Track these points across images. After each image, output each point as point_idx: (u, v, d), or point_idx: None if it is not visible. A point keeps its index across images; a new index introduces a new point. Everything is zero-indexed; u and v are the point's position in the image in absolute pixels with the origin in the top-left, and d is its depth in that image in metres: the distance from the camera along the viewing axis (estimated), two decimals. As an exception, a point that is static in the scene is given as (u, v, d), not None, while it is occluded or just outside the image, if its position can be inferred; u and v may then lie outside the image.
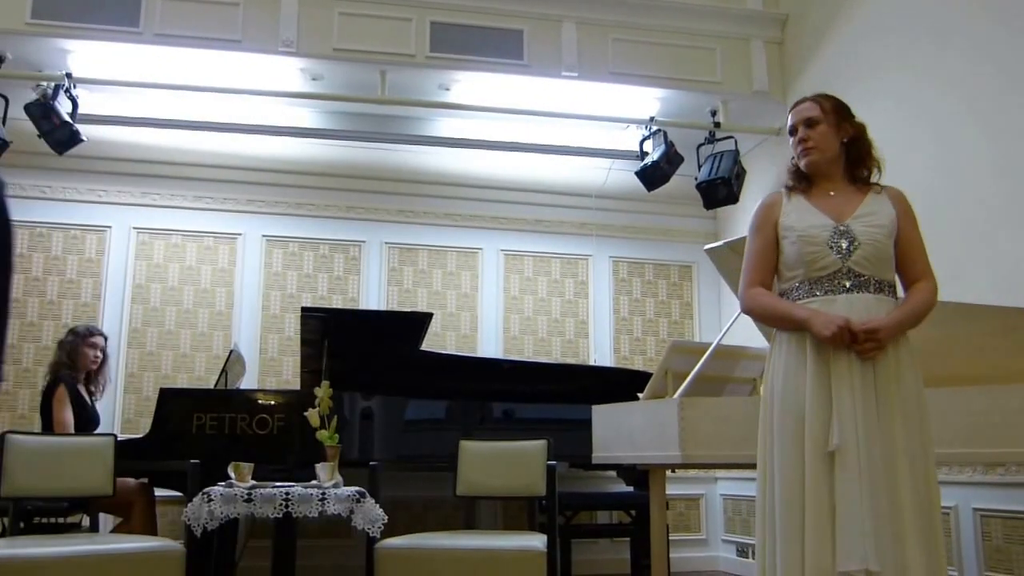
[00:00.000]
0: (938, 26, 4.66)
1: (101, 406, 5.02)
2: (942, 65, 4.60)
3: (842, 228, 2.42)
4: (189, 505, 3.44)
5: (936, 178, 4.25)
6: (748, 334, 3.91)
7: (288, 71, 5.53)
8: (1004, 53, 4.20)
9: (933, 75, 4.65)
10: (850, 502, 2.23)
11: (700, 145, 5.99)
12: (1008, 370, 3.08)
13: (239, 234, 6.07)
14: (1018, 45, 4.13)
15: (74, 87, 5.22)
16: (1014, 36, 4.16)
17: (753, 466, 4.01)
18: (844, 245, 2.41)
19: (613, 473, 5.70)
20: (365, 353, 4.78)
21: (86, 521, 4.37)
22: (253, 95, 5.63)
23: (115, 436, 4.04)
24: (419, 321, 4.89)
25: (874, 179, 2.54)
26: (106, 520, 4.72)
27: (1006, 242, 4.03)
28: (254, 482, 3.56)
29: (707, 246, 3.85)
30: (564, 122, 6.12)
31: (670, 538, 5.43)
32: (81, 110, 5.25)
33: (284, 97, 5.72)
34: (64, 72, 5.20)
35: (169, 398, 4.45)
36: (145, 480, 4.56)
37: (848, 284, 2.40)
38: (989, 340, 3.15)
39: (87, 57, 5.25)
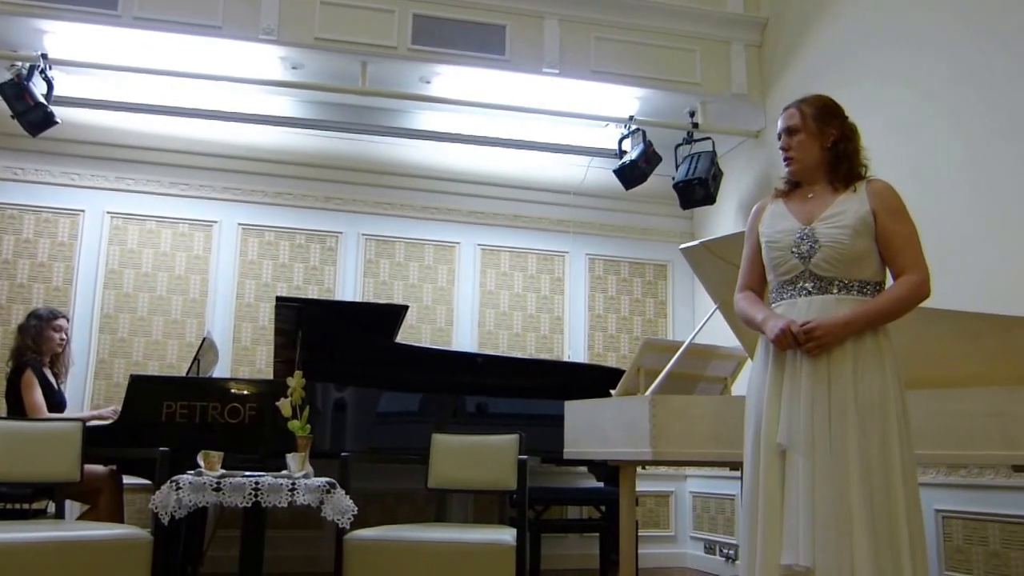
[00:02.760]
0: (914, 34, 4.72)
1: (70, 391, 4.98)
2: (918, 72, 4.66)
3: (807, 231, 2.44)
4: (157, 493, 3.41)
5: (911, 184, 4.25)
6: (721, 334, 3.95)
7: (268, 59, 5.50)
8: (978, 61, 4.27)
9: (909, 82, 4.71)
10: (793, 500, 2.27)
11: (678, 145, 6.04)
12: (972, 374, 3.12)
13: (215, 221, 6.03)
14: (991, 53, 4.19)
15: (49, 68, 5.16)
16: (987, 44, 4.23)
17: (721, 464, 4.07)
18: (806, 248, 2.43)
19: (584, 469, 5.73)
20: (339, 344, 4.77)
21: (52, 507, 4.33)
22: (232, 82, 5.60)
23: (83, 422, 4.00)
24: (394, 313, 4.90)
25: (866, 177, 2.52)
26: (72, 507, 4.68)
27: (980, 248, 4.09)
28: (223, 471, 3.54)
29: (682, 246, 3.88)
30: (544, 118, 6.14)
31: (639, 534, 5.49)
32: (56, 92, 5.19)
33: (263, 85, 5.69)
34: (40, 53, 5.14)
35: (139, 385, 4.41)
36: (113, 467, 4.53)
37: (810, 287, 2.43)
38: (955, 345, 3.19)
39: (64, 38, 5.19)
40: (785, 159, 2.56)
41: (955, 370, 3.20)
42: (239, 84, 5.63)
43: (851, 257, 2.40)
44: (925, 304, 2.45)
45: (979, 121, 4.23)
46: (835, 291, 2.40)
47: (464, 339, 6.32)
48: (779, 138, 2.58)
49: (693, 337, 3.92)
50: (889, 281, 2.48)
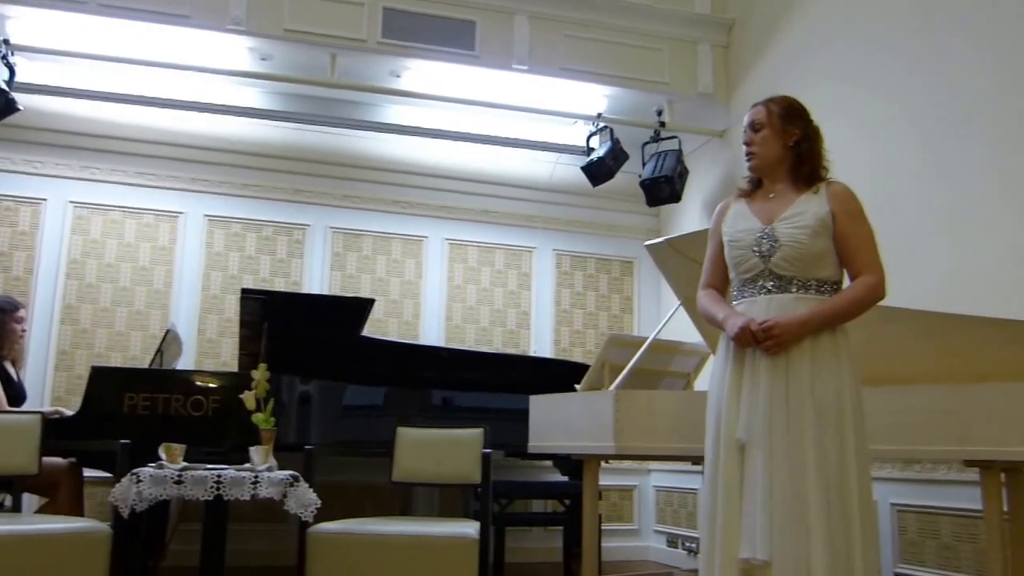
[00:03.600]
0: (875, 34, 4.81)
1: (29, 383, 4.93)
2: (878, 72, 4.74)
3: (767, 231, 2.48)
4: (117, 486, 3.38)
5: (870, 184, 4.35)
6: (685, 330, 4.00)
7: (236, 50, 5.47)
8: (937, 61, 4.35)
9: (869, 82, 4.79)
10: (752, 494, 2.32)
11: (645, 143, 6.09)
12: (927, 372, 3.19)
13: (181, 212, 5.99)
14: (951, 55, 4.28)
15: (12, 54, 5.09)
16: (947, 46, 4.31)
17: (684, 458, 4.11)
18: (766, 247, 2.47)
19: (549, 463, 5.77)
20: (305, 337, 4.75)
21: (9, 501, 4.28)
22: (200, 72, 5.55)
23: (42, 414, 3.96)
24: (360, 307, 4.89)
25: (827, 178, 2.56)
26: (31, 500, 4.63)
27: (938, 247, 4.18)
28: (185, 464, 3.52)
29: (647, 243, 3.93)
30: (513, 115, 6.16)
31: (603, 528, 5.54)
32: (19, 78, 5.12)
33: (232, 76, 5.65)
34: (1, 38, 5.07)
35: (100, 376, 4.37)
36: (73, 460, 4.48)
37: (770, 285, 2.47)
38: (910, 343, 3.26)
39: (27, 24, 5.12)
40: (747, 154, 2.61)
41: (910, 368, 3.27)
42: (207, 74, 5.59)
43: (810, 257, 2.44)
44: (881, 303, 2.49)
45: (938, 121, 4.31)
46: (794, 290, 2.44)
47: (431, 333, 6.33)
48: (744, 133, 2.62)
49: (657, 333, 3.96)
50: (847, 281, 2.53)
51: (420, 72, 5.72)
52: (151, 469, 3.41)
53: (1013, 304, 3.61)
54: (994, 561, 2.90)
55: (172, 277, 5.89)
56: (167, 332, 5.01)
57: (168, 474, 3.38)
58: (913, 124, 4.47)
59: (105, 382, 4.35)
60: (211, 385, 4.43)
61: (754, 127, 2.58)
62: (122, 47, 5.33)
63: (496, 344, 6.48)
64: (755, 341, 2.39)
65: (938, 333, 3.20)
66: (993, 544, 2.91)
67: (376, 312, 5.98)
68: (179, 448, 3.54)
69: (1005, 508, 3.09)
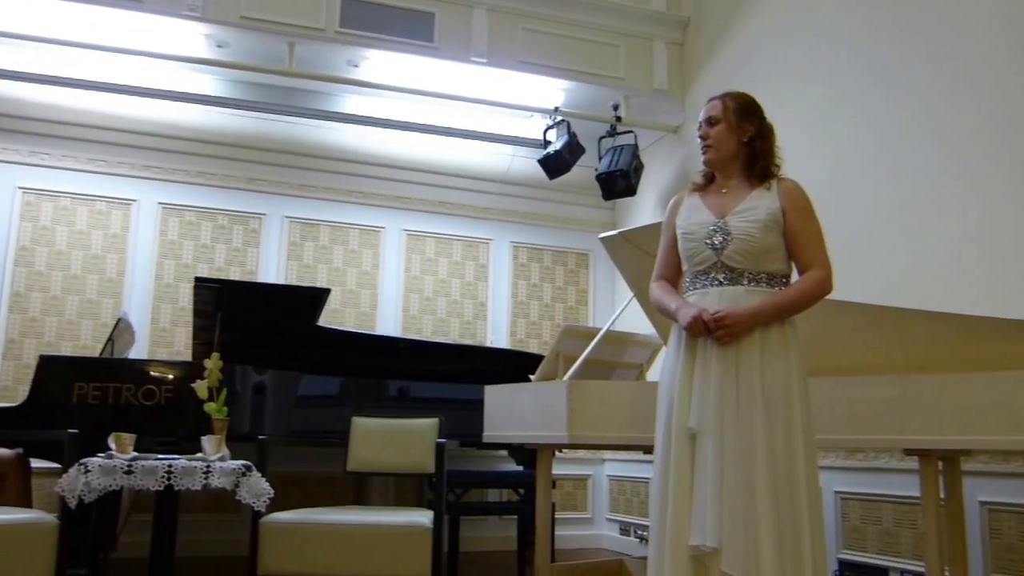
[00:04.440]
0: (827, 31, 4.91)
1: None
2: (831, 70, 4.84)
3: (720, 224, 2.53)
4: (64, 476, 3.32)
5: (825, 180, 4.46)
6: (638, 321, 4.06)
7: (192, 36, 5.41)
8: (888, 60, 4.46)
9: (823, 80, 4.89)
10: (702, 482, 2.36)
11: (601, 138, 6.16)
12: (871, 363, 3.26)
13: (133, 200, 5.91)
14: (902, 53, 4.38)
15: (-41, 37, 4.99)
16: (898, 44, 4.42)
17: (636, 448, 4.18)
18: (718, 240, 2.51)
19: (505, 452, 5.82)
20: (260, 326, 4.74)
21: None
22: (154, 58, 5.48)
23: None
24: (316, 296, 4.88)
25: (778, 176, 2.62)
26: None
27: (893, 242, 4.28)
28: (136, 453, 3.47)
29: (601, 235, 3.97)
30: (471, 107, 6.18)
31: (558, 516, 5.60)
32: (-34, 62, 5.03)
33: (187, 62, 5.59)
34: (-51, 21, 4.97)
35: (49, 365, 4.30)
36: (20, 450, 4.42)
37: (722, 278, 2.52)
38: (855, 335, 3.33)
39: (-26, 7, 5.02)
40: (703, 147, 2.65)
41: (855, 360, 3.33)
42: (161, 60, 5.51)
43: (760, 250, 2.49)
44: (828, 296, 2.55)
45: (889, 117, 4.42)
46: (745, 282, 2.49)
47: (388, 324, 6.34)
48: (699, 127, 2.66)
49: (610, 324, 4.01)
50: (795, 276, 2.60)
51: (378, 62, 5.70)
52: (100, 459, 3.35)
53: (963, 297, 3.71)
54: (931, 545, 2.98)
55: (125, 265, 5.82)
56: (119, 321, 4.95)
57: (118, 464, 3.33)
58: (864, 120, 4.57)
59: (54, 371, 4.29)
60: (163, 375, 4.39)
61: (710, 122, 2.63)
62: (75, 30, 5.24)
63: (453, 335, 6.51)
64: (707, 331, 2.43)
65: (881, 326, 3.27)
66: (930, 529, 3.00)
67: (333, 302, 5.98)
68: (129, 438, 3.50)
69: (942, 495, 3.19)
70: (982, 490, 3.71)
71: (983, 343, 3.04)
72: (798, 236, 2.52)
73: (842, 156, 4.66)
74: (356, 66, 5.75)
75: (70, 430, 3.62)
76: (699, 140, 2.66)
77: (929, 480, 3.02)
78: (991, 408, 2.76)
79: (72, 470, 3.33)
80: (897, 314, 3.20)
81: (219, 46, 5.51)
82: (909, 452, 3.15)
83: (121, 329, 4.87)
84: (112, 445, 3.47)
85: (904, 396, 2.99)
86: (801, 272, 2.55)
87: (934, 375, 2.95)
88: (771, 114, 2.68)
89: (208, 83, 5.91)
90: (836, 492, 4.43)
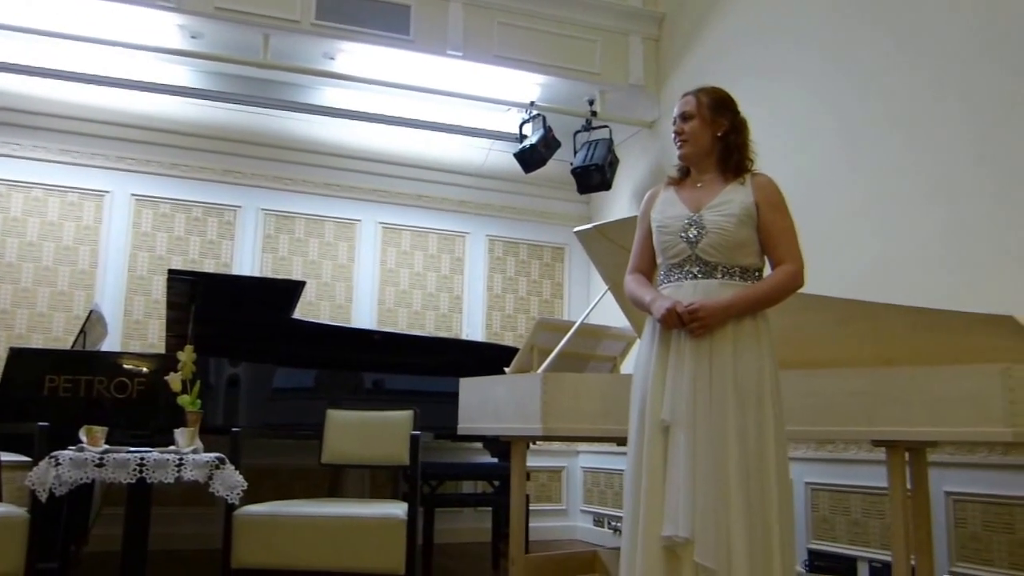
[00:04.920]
0: (801, 31, 4.96)
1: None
2: (804, 68, 4.90)
3: (695, 218, 2.54)
4: (35, 469, 3.30)
5: (796, 176, 4.50)
6: (612, 315, 4.09)
7: (166, 27, 5.36)
8: (860, 59, 4.51)
9: (795, 77, 4.95)
10: (675, 473, 2.38)
11: (577, 132, 6.18)
12: (840, 356, 3.31)
13: (107, 191, 5.86)
14: (873, 52, 4.44)
15: (-72, 26, 4.92)
16: (869, 43, 4.48)
17: (610, 440, 4.21)
18: (693, 234, 2.53)
19: (480, 444, 5.84)
20: (234, 319, 4.72)
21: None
22: (128, 48, 5.43)
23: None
24: (291, 289, 4.86)
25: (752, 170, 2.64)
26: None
27: (863, 237, 4.34)
28: (107, 446, 3.45)
29: (576, 229, 3.99)
30: (447, 100, 6.19)
31: (532, 508, 5.64)
32: (-65, 51, 4.96)
33: (161, 53, 5.54)
34: (-83, 9, 4.90)
35: (19, 358, 4.27)
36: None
37: (696, 271, 2.53)
38: (825, 328, 3.37)
39: (-56, -5, 4.96)
40: (678, 143, 2.66)
41: (825, 352, 3.37)
42: (135, 51, 5.47)
43: (734, 244, 2.51)
44: (800, 290, 2.58)
45: (860, 115, 4.48)
46: (719, 276, 2.51)
47: (363, 316, 6.33)
48: (674, 123, 2.68)
49: (585, 317, 4.04)
50: (768, 270, 2.63)
51: (354, 55, 5.69)
52: (71, 452, 3.33)
53: (933, 290, 3.78)
54: (898, 535, 3.03)
55: (97, 257, 5.78)
56: (90, 313, 4.91)
57: (89, 457, 3.31)
58: (836, 118, 4.63)
59: (24, 364, 4.25)
60: (136, 367, 4.37)
61: (684, 117, 2.65)
62: (48, 20, 5.18)
63: (428, 328, 6.51)
64: (681, 323, 2.45)
65: (851, 319, 3.31)
66: (897, 519, 3.04)
67: (308, 295, 5.97)
68: (100, 430, 3.47)
69: (909, 485, 3.24)
70: (948, 481, 3.77)
71: (950, 337, 3.08)
72: (771, 231, 2.55)
73: (813, 153, 4.72)
74: (332, 58, 5.73)
75: (40, 423, 3.59)
76: (674, 135, 2.68)
77: (896, 471, 3.05)
78: (957, 400, 2.78)
79: (42, 463, 3.30)
80: (867, 308, 3.23)
81: (193, 37, 5.47)
82: (877, 443, 3.19)
83: (93, 321, 4.84)
84: (83, 438, 3.45)
85: (873, 388, 3.02)
86: (774, 266, 2.57)
87: (902, 368, 2.98)
88: (744, 111, 2.71)
89: (183, 74, 5.87)
90: (806, 483, 4.49)
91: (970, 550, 3.69)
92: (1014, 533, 3.53)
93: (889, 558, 3.18)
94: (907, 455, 3.20)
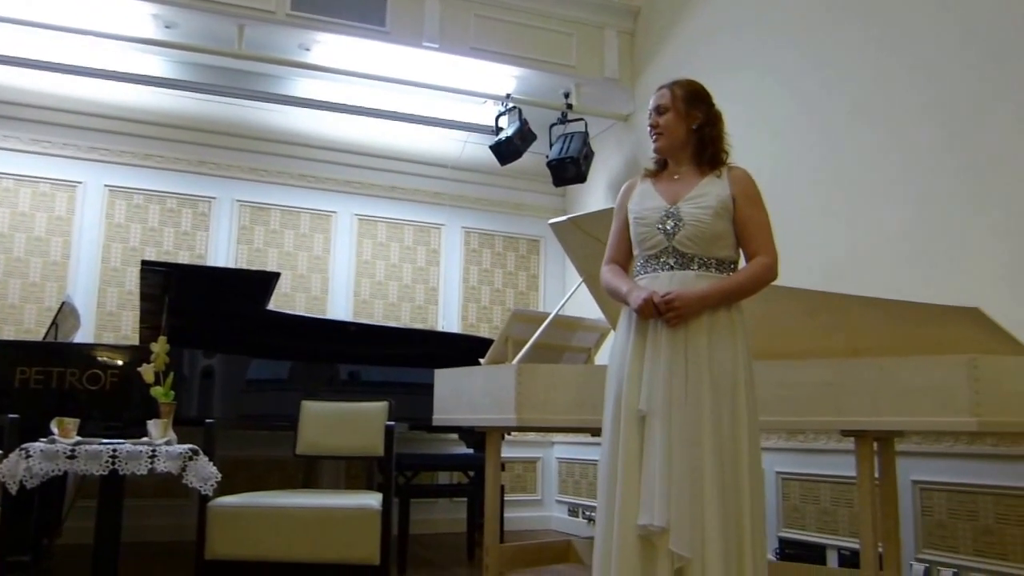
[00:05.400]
0: (775, 26, 5.00)
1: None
2: (778, 62, 4.94)
3: (672, 210, 2.56)
4: (5, 461, 3.27)
5: (770, 169, 4.53)
6: (587, 306, 4.12)
7: (140, 16, 5.31)
8: (833, 53, 4.56)
9: (769, 71, 4.99)
10: (651, 463, 2.40)
11: (553, 125, 6.20)
12: (811, 347, 3.35)
13: (79, 182, 5.81)
14: (846, 46, 4.48)
15: None
16: (842, 38, 4.52)
17: (584, 430, 4.24)
18: (670, 226, 2.55)
19: (455, 435, 5.86)
20: (208, 310, 4.70)
21: None
22: (101, 38, 5.37)
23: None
24: (265, 280, 4.85)
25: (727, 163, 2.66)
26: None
27: (835, 230, 4.39)
28: (79, 438, 3.43)
29: (551, 220, 4.01)
30: (423, 92, 6.18)
31: (508, 498, 5.67)
32: (-97, 39, 4.89)
33: (135, 43, 5.49)
34: None
35: (-9, 349, 4.25)
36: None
37: (672, 262, 2.55)
38: (797, 320, 3.41)
39: (-88, -18, 4.88)
40: (653, 136, 2.68)
41: (797, 343, 3.41)
42: (108, 40, 5.41)
43: (710, 236, 2.53)
44: (773, 283, 2.60)
45: (832, 109, 4.52)
46: (695, 267, 2.52)
47: (339, 308, 6.33)
48: (649, 116, 2.69)
49: (559, 308, 4.07)
50: (743, 262, 2.65)
51: (330, 46, 5.67)
52: (42, 444, 3.30)
53: (903, 282, 3.84)
54: (866, 523, 3.08)
55: (70, 248, 5.73)
56: (63, 304, 4.87)
57: (60, 449, 3.28)
58: (809, 112, 4.68)
59: (-6, 355, 4.22)
60: (109, 359, 4.34)
61: (659, 110, 2.66)
62: (19, 8, 5.12)
63: (404, 319, 6.52)
64: (657, 313, 2.47)
65: (819, 311, 3.35)
66: (865, 508, 3.10)
67: (283, 286, 5.96)
68: (72, 422, 3.44)
69: (877, 475, 3.30)
70: (915, 470, 3.83)
71: (917, 328, 3.13)
72: (747, 223, 2.57)
73: (786, 146, 4.77)
74: (308, 49, 5.70)
75: (10, 415, 3.56)
76: (649, 129, 2.69)
77: (865, 460, 3.10)
78: (924, 391, 2.83)
79: (12, 455, 3.28)
80: (837, 300, 3.27)
81: (167, 27, 5.43)
82: (846, 433, 3.23)
83: (66, 313, 4.80)
84: (55, 430, 3.42)
85: (842, 379, 3.06)
86: (748, 259, 2.59)
87: (871, 359, 3.02)
88: (718, 104, 2.73)
89: (156, 64, 5.82)
90: (777, 472, 4.55)
91: (936, 537, 3.75)
92: (978, 520, 3.59)
93: (857, 546, 3.22)
94: (875, 445, 3.26)
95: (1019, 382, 2.88)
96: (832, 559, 4.23)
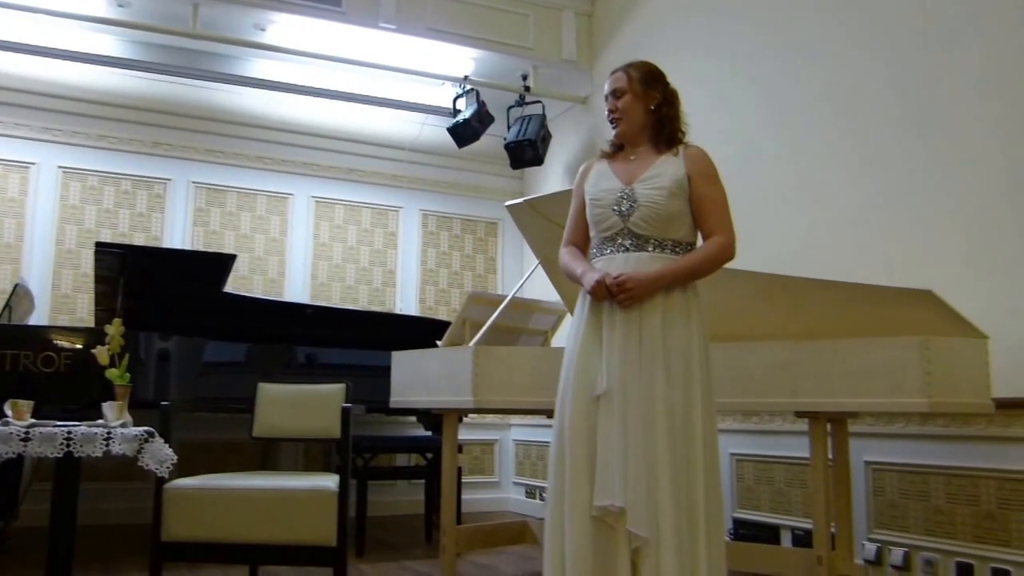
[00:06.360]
0: (733, 7, 5.03)
1: None
2: (735, 44, 4.97)
3: (627, 191, 2.55)
4: (-45, 445, 3.24)
5: (728, 152, 4.53)
6: (543, 289, 4.14)
7: (92, -6, 5.22)
8: (791, 35, 4.59)
9: (727, 53, 5.01)
10: (607, 444, 2.41)
11: (510, 107, 6.20)
12: (767, 330, 3.39)
13: (32, 163, 5.70)
14: (803, 28, 4.53)
15: None
16: (800, 20, 4.56)
17: (540, 412, 4.28)
18: (625, 207, 2.54)
19: (414, 418, 5.87)
20: (164, 292, 4.65)
21: None
22: (53, 16, 5.25)
23: None
24: (222, 262, 4.80)
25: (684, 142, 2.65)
26: None
27: (793, 212, 4.44)
28: (33, 420, 3.39)
29: (508, 203, 4.01)
30: (380, 74, 6.14)
31: (465, 480, 5.69)
32: None
33: (87, 21, 5.38)
34: None
35: (-60, 333, 4.16)
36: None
37: (628, 244, 2.54)
38: (753, 302, 3.44)
39: None
40: (612, 120, 2.67)
41: (753, 325, 3.44)
42: (60, 18, 5.29)
43: (666, 217, 2.52)
44: (729, 264, 2.61)
45: (790, 91, 4.57)
46: (650, 248, 2.52)
47: (296, 290, 6.29)
48: (606, 100, 2.68)
49: (516, 291, 4.08)
50: (700, 243, 2.65)
51: (285, 26, 5.60)
52: (-6, 427, 3.27)
53: (861, 264, 3.90)
54: (819, 503, 3.14)
55: (23, 230, 5.62)
56: (16, 287, 4.78)
57: (14, 431, 3.22)
58: (766, 94, 4.72)
59: (-55, 339, 4.14)
60: (63, 341, 4.28)
61: (616, 94, 2.65)
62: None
63: (362, 302, 6.50)
64: (609, 295, 2.47)
65: (773, 293, 3.38)
66: (818, 488, 3.15)
67: (240, 269, 5.91)
68: (26, 404, 3.39)
69: (830, 455, 3.35)
70: (867, 451, 3.89)
71: (871, 310, 3.15)
72: (703, 202, 2.55)
73: (744, 128, 4.80)
74: (263, 29, 5.63)
75: (-40, 398, 3.50)
76: (607, 114, 2.68)
77: (818, 441, 3.15)
78: (877, 372, 2.87)
79: (-36, 439, 3.22)
80: (791, 283, 3.30)
81: (120, 5, 5.33)
82: (800, 414, 3.29)
83: (19, 295, 4.72)
84: (8, 412, 3.37)
85: (796, 361, 3.09)
86: (705, 238, 2.59)
87: (824, 341, 3.05)
88: (675, 86, 2.72)
89: (109, 43, 5.72)
90: (732, 454, 4.61)
91: (887, 517, 3.82)
92: (929, 500, 3.65)
93: (811, 526, 3.28)
94: (828, 426, 3.31)
95: (970, 364, 2.94)
96: (786, 539, 4.30)
